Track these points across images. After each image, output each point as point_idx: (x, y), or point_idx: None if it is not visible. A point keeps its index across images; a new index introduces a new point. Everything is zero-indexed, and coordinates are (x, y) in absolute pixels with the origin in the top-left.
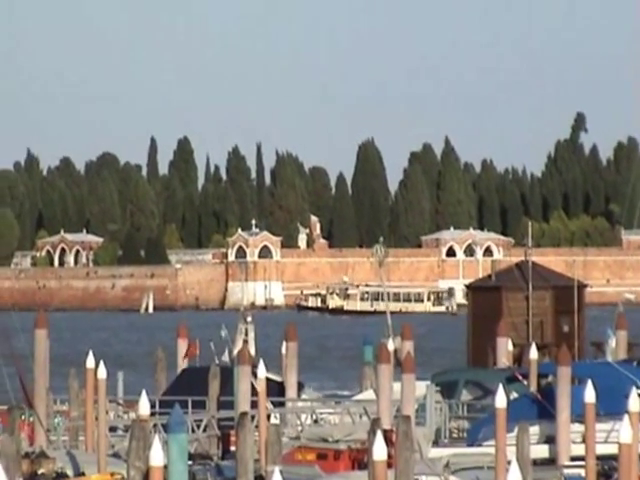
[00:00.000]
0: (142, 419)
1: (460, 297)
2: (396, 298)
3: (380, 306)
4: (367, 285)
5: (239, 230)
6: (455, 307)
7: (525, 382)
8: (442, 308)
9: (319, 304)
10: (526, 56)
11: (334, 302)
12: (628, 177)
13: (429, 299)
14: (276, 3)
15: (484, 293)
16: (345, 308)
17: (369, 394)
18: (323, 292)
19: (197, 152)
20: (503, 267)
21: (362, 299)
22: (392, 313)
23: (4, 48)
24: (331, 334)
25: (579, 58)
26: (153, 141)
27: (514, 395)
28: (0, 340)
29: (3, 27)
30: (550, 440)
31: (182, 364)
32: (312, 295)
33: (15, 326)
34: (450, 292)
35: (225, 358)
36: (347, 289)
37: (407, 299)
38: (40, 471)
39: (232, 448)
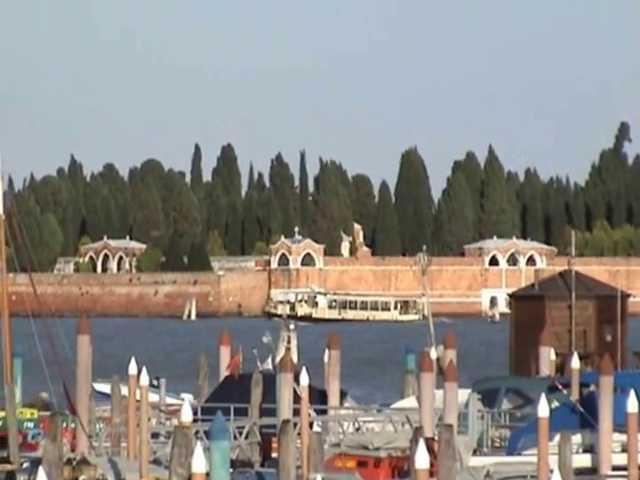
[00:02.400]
0: (185, 426)
1: (503, 306)
2: (363, 306)
3: (348, 314)
4: (335, 293)
5: (282, 237)
6: (498, 316)
7: (566, 391)
8: (408, 317)
9: (288, 311)
10: (570, 65)
11: (302, 310)
12: None
13: (396, 307)
14: (316, 13)
15: (527, 302)
16: (313, 316)
17: (410, 401)
18: (292, 299)
19: (241, 159)
20: (546, 276)
21: (330, 307)
22: (358, 321)
23: (48, 56)
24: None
25: (623, 67)
26: (197, 148)
27: (555, 404)
28: (45, 346)
29: (50, 36)
30: (591, 449)
31: (225, 372)
32: (280, 302)
33: (59, 332)
34: (493, 301)
35: (268, 365)
36: (315, 297)
37: (374, 307)
38: (81, 477)
39: (274, 455)
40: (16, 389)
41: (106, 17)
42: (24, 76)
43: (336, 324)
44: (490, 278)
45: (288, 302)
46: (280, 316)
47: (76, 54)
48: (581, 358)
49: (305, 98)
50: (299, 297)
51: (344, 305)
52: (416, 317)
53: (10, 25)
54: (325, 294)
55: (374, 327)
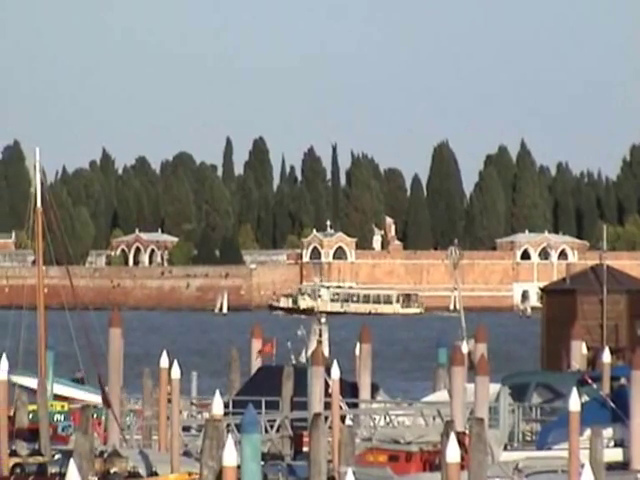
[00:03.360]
0: (216, 419)
1: (534, 300)
2: (365, 299)
3: (350, 308)
4: (338, 287)
5: (314, 231)
6: (529, 310)
7: (596, 385)
8: (410, 310)
9: (290, 304)
10: (601, 60)
11: (305, 303)
12: None
13: (398, 301)
14: (347, 4)
15: (559, 296)
16: (316, 309)
17: (442, 395)
18: (294, 293)
19: (273, 152)
20: (578, 270)
21: (332, 300)
22: (361, 314)
23: (81, 51)
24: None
25: None
26: (229, 141)
27: (585, 398)
28: (80, 338)
29: (83, 30)
30: (620, 443)
31: (256, 362)
32: (284, 296)
33: (93, 325)
34: (524, 295)
35: (302, 358)
36: (318, 290)
37: (376, 301)
38: (113, 470)
39: (305, 449)
40: (47, 382)
41: (138, 11)
42: (56, 70)
43: (338, 317)
44: (522, 272)
45: (290, 295)
46: (283, 309)
47: (109, 48)
48: (612, 352)
49: (337, 91)
50: (301, 290)
51: (346, 298)
52: (418, 310)
53: (41, 19)
54: (328, 287)
55: (376, 320)
